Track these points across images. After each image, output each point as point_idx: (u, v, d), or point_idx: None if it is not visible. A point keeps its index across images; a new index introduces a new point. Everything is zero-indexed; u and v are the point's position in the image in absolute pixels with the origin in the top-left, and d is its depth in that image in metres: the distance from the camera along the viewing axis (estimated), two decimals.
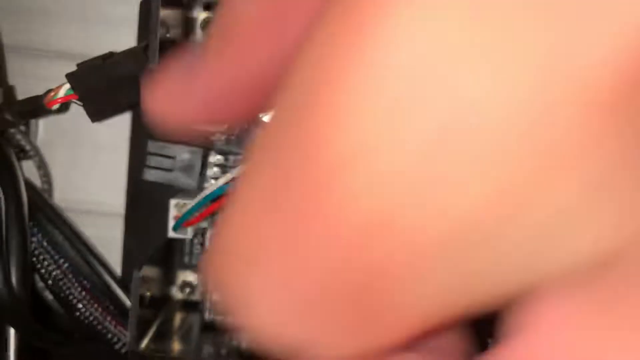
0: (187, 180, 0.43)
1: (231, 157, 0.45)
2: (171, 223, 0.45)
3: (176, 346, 0.42)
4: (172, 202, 0.45)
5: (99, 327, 0.45)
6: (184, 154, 0.44)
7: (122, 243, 0.49)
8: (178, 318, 0.47)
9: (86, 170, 0.50)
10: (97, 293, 0.46)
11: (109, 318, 0.46)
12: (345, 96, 0.09)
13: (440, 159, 0.09)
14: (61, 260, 0.45)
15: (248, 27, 0.14)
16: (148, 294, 0.41)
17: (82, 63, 0.40)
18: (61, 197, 0.49)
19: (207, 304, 0.45)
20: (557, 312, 0.10)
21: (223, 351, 0.42)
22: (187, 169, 0.44)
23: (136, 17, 0.46)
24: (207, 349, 0.42)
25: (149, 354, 0.39)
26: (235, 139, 0.47)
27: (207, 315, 0.45)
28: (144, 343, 0.40)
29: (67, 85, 0.39)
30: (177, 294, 0.49)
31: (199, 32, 0.46)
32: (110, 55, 0.41)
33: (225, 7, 0.14)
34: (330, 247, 0.10)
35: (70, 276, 0.45)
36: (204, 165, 0.44)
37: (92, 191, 0.50)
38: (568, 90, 0.09)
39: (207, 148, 0.45)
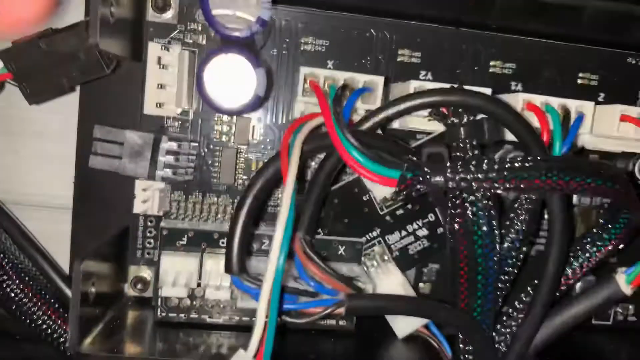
0: (136, 168, 0.41)
1: (184, 144, 0.43)
2: (136, 203, 0.42)
3: (127, 345, 0.39)
4: (137, 182, 0.42)
5: (43, 326, 0.42)
6: (133, 139, 0.41)
7: (71, 237, 0.46)
8: (130, 315, 0.44)
9: (31, 160, 0.47)
10: (40, 289, 0.42)
11: (53, 316, 0.42)
12: None
13: None
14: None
15: None
16: (93, 290, 0.38)
17: (18, 40, 0.37)
18: (2, 188, 0.46)
19: (160, 301, 0.42)
20: None
21: (178, 347, 0.40)
22: (136, 155, 0.41)
23: None
24: (160, 346, 0.39)
25: (92, 355, 0.36)
26: (190, 125, 0.44)
27: (160, 313, 0.42)
28: (87, 343, 0.37)
29: (0, 64, 0.36)
30: (128, 290, 0.46)
31: (150, 10, 0.43)
32: (50, 31, 0.38)
33: None
34: None
35: (10, 272, 0.42)
36: (155, 151, 0.41)
37: (38, 183, 0.47)
38: None
39: (158, 133, 0.42)
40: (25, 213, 0.46)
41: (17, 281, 0.42)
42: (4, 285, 0.42)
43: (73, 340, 0.36)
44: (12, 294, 0.42)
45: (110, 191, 0.45)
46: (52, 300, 0.43)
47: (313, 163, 0.45)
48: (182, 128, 0.44)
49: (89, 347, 0.36)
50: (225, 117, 0.45)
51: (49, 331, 0.42)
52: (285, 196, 0.31)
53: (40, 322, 0.42)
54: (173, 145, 0.42)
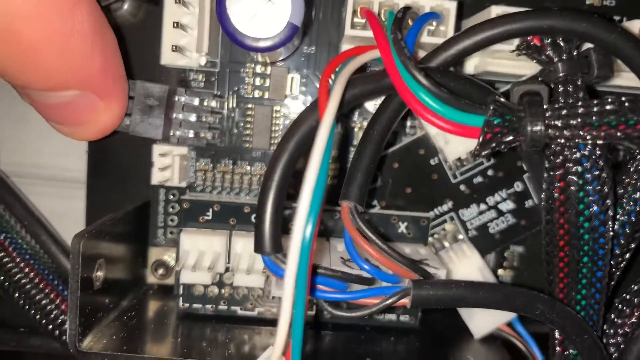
0: (148, 128, 0.33)
1: (207, 98, 0.35)
2: (154, 171, 0.36)
3: (141, 342, 0.32)
4: (155, 147, 0.35)
5: (50, 315, 0.36)
6: (144, 91, 0.34)
7: (85, 215, 0.40)
8: (150, 306, 0.37)
9: (40, 128, 0.40)
10: (48, 274, 0.36)
11: (62, 306, 0.36)
12: None
13: None
14: (1, 235, 0.36)
15: None
16: (99, 274, 0.31)
17: None
18: (9, 160, 0.40)
19: (182, 289, 0.35)
20: None
21: (203, 344, 0.32)
22: (148, 112, 0.34)
23: None
24: (181, 344, 0.32)
25: (96, 353, 0.29)
26: (217, 78, 0.37)
27: (182, 303, 0.35)
28: (89, 338, 0.30)
29: None
30: (149, 276, 0.39)
31: None
32: None
33: None
34: None
35: (13, 254, 0.36)
36: (170, 107, 0.34)
37: (48, 154, 0.41)
38: None
39: (177, 87, 0.35)
40: (34, 188, 0.40)
41: (21, 265, 0.36)
42: (6, 269, 0.36)
43: (72, 334, 0.29)
44: (15, 279, 0.36)
45: (129, 162, 0.38)
46: (61, 288, 0.37)
47: (365, 122, 0.37)
48: (208, 82, 0.37)
49: (91, 344, 0.30)
50: (258, 67, 0.37)
51: (58, 322, 0.36)
52: (321, 135, 0.23)
53: (47, 311, 0.36)
54: (193, 100, 0.35)
